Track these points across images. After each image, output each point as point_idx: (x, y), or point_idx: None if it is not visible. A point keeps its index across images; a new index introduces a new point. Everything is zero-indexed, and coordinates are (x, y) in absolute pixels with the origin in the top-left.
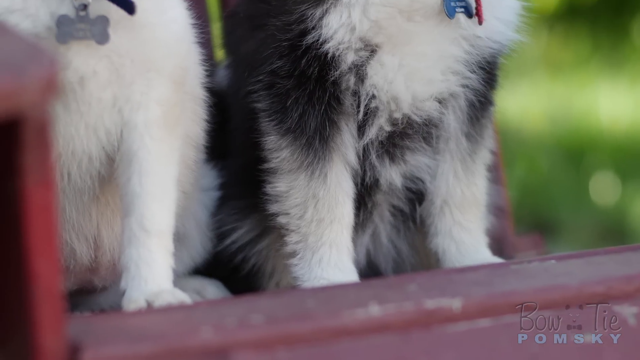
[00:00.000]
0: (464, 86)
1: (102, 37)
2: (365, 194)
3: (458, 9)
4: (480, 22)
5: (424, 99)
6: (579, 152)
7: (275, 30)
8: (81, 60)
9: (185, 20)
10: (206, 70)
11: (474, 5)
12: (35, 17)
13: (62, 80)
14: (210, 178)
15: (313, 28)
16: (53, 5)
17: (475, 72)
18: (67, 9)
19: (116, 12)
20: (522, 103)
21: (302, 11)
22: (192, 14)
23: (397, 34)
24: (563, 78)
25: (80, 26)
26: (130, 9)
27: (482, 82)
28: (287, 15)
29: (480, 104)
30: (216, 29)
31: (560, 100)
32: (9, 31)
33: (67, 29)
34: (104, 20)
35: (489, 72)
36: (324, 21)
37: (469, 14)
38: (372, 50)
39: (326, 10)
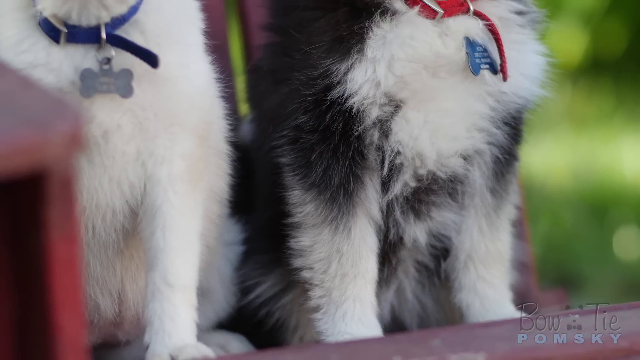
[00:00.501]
0: (489, 142)
1: (126, 91)
2: (389, 250)
3: (483, 66)
4: (505, 79)
5: (449, 155)
6: (602, 207)
7: (300, 84)
8: (105, 114)
9: (209, 74)
10: (230, 125)
11: (498, 61)
12: (59, 72)
13: (86, 134)
14: (234, 232)
15: (338, 83)
16: (77, 59)
17: (500, 128)
18: (90, 63)
19: (140, 66)
20: (546, 158)
21: (327, 66)
22: (215, 68)
23: (422, 89)
24: (587, 133)
25: (104, 80)
26: (153, 62)
27: (507, 138)
28: (311, 70)
29: (505, 160)
30: (240, 82)
31: (584, 154)
32: (34, 85)
33: (91, 82)
34: (127, 74)
35: (513, 127)
36: (349, 76)
37: (494, 71)
38: (396, 105)
39: (351, 66)
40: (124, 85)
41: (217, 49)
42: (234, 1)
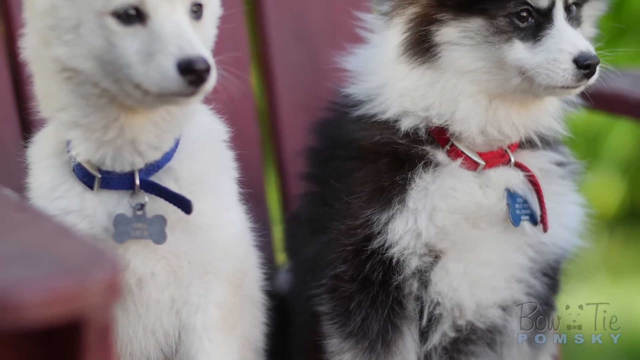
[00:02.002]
0: (527, 293)
1: (160, 237)
2: None
3: (523, 217)
4: (545, 230)
5: (488, 306)
6: (639, 357)
7: (339, 234)
8: (139, 262)
9: (243, 223)
10: (265, 274)
11: (538, 212)
12: (93, 218)
13: (123, 282)
14: None
15: (379, 233)
16: (110, 205)
17: (538, 278)
18: (124, 209)
19: (173, 214)
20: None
21: (367, 216)
22: (251, 216)
23: (462, 240)
24: (623, 282)
25: (138, 225)
26: (187, 208)
27: (545, 288)
28: (351, 220)
29: (542, 310)
30: (277, 231)
31: (620, 304)
32: (71, 233)
33: (124, 228)
34: (161, 220)
35: (551, 277)
36: (390, 226)
37: (534, 221)
38: (436, 256)
39: (392, 216)
40: (157, 232)
41: (254, 198)
42: (271, 151)
